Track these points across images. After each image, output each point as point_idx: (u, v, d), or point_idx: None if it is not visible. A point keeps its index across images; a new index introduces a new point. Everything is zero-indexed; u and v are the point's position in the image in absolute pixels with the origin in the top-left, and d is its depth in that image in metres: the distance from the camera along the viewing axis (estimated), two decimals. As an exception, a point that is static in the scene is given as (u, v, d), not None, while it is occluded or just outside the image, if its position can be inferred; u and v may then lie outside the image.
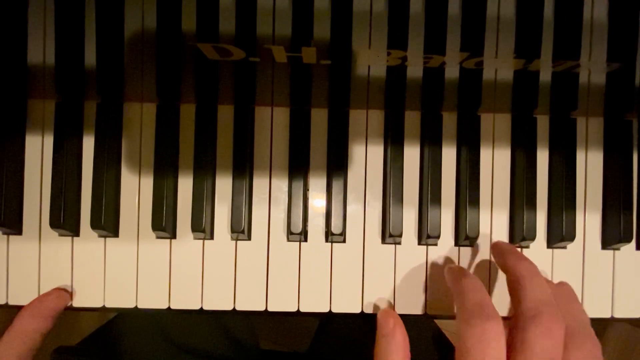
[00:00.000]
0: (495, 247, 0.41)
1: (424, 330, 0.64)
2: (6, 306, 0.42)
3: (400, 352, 0.35)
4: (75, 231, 0.42)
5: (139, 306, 0.42)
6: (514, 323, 0.34)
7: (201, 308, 0.42)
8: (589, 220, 0.44)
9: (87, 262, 0.42)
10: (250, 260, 0.42)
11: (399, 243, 0.43)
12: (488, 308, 0.33)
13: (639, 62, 0.37)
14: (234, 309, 0.42)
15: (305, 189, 0.42)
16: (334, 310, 0.42)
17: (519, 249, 0.43)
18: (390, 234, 0.41)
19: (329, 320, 0.72)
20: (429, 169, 0.42)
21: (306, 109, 0.43)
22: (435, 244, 0.43)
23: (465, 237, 0.42)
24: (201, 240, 0.42)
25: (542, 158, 0.44)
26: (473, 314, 0.33)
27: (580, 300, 0.43)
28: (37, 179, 0.42)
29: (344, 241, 0.43)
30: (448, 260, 0.43)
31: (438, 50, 0.36)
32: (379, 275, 0.42)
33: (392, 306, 0.42)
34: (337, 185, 0.42)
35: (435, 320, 0.67)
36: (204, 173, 0.41)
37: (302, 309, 0.42)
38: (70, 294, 0.41)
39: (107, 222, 0.41)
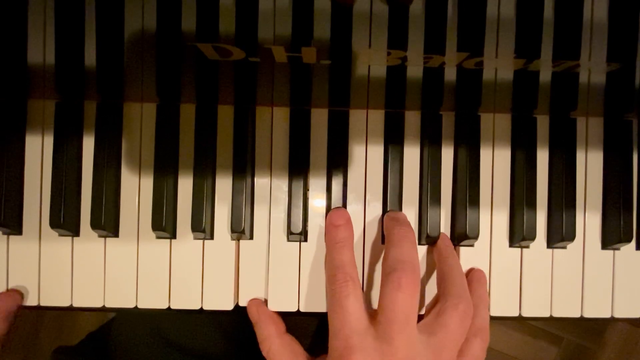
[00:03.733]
0: (387, 216, 0.41)
1: None
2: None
3: (271, 328, 0.40)
4: (75, 231, 0.42)
5: (139, 306, 0.42)
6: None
7: (201, 308, 0.42)
8: (589, 220, 0.44)
9: (87, 262, 0.42)
10: (250, 260, 0.42)
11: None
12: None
13: (639, 62, 0.37)
14: (234, 309, 0.42)
15: (305, 189, 0.42)
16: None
17: (518, 249, 0.43)
18: (390, 234, 0.41)
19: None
20: (429, 169, 0.42)
21: (306, 109, 0.43)
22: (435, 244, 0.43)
23: (465, 237, 0.42)
24: (201, 240, 0.42)
25: (542, 158, 0.44)
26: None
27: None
28: (37, 179, 0.42)
29: (344, 241, 0.42)
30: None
31: (438, 50, 0.36)
32: (379, 274, 0.42)
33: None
34: (337, 185, 0.42)
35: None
36: (204, 173, 0.41)
37: (302, 309, 0.42)
38: (22, 295, 0.41)
39: (107, 222, 0.41)
